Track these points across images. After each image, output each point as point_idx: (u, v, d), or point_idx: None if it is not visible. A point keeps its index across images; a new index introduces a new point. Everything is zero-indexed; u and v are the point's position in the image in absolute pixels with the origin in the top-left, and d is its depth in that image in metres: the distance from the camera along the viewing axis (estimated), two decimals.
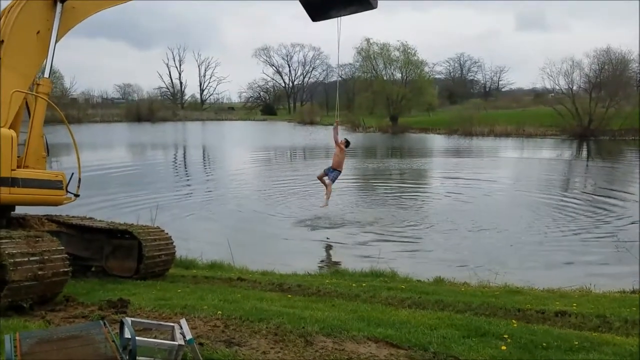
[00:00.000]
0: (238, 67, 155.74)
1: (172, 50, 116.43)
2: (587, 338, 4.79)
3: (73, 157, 7.20)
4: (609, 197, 19.44)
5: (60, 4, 6.74)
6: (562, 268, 11.10)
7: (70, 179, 6.95)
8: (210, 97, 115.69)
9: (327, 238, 13.48)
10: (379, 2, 7.58)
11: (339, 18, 8.13)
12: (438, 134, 54.89)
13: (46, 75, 6.95)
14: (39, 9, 6.66)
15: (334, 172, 10.13)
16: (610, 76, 49.96)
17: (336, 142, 12.34)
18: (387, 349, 4.35)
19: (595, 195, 20.19)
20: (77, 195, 7.03)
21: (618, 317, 5.69)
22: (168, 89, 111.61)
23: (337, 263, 10.90)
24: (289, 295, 6.71)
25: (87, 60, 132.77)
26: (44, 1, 6.69)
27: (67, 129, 6.96)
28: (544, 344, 4.45)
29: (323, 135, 57.45)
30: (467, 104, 75.77)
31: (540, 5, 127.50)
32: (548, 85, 52.94)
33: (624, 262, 10.97)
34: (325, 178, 12.83)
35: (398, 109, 65.53)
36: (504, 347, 4.27)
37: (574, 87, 48.58)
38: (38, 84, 6.84)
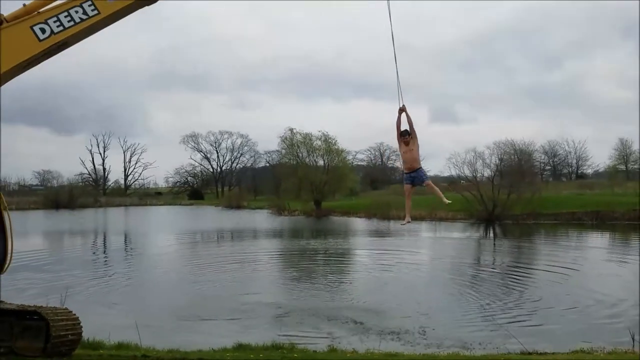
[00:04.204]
0: (165, 152, 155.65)
1: (97, 136, 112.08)
2: None
3: None
4: (516, 271, 21.71)
5: None
6: (463, 333, 12.43)
7: None
8: (135, 182, 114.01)
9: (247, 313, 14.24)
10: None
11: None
12: (358, 217, 57.31)
13: None
14: None
15: (417, 172, 7.25)
16: (515, 165, 55.28)
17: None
18: None
19: (505, 270, 22.60)
20: None
21: None
22: (90, 175, 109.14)
23: (244, 339, 11.55)
24: None
25: (4, 147, 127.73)
26: None
27: None
28: None
29: (250, 219, 58.35)
30: (388, 189, 79.88)
31: (450, 102, 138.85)
32: (454, 173, 57.47)
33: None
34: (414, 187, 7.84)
35: (321, 194, 68.01)
36: None
37: (478, 176, 53.22)
38: None
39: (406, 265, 23.67)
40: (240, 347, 9.83)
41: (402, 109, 7.50)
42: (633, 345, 10.87)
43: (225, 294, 17.46)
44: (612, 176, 77.57)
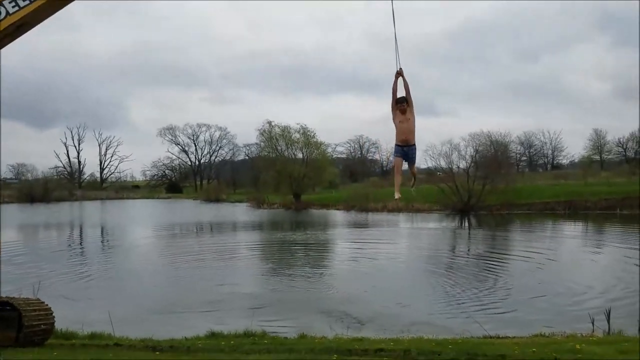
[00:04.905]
0: (143, 145, 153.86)
1: (72, 129, 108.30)
2: None
3: None
4: (491, 260, 22.35)
5: None
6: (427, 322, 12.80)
7: None
8: (112, 175, 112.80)
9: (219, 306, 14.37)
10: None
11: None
12: (337, 209, 57.75)
13: None
14: None
15: (411, 148, 6.61)
16: (491, 156, 56.25)
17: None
18: None
19: (479, 257, 23.38)
20: None
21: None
22: (65, 168, 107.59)
23: (218, 329, 11.72)
24: (157, 353, 7.58)
25: None
26: None
27: None
28: None
29: (229, 212, 58.31)
30: (367, 181, 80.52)
31: (431, 94, 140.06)
32: (430, 165, 58.23)
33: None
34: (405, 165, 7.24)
35: (300, 187, 68.23)
36: None
37: (454, 167, 54.07)
38: None
39: (384, 255, 24.11)
40: (212, 336, 10.03)
41: (399, 73, 6.69)
42: (593, 330, 11.35)
43: (202, 285, 17.57)
44: (586, 166, 79.36)
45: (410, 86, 6.62)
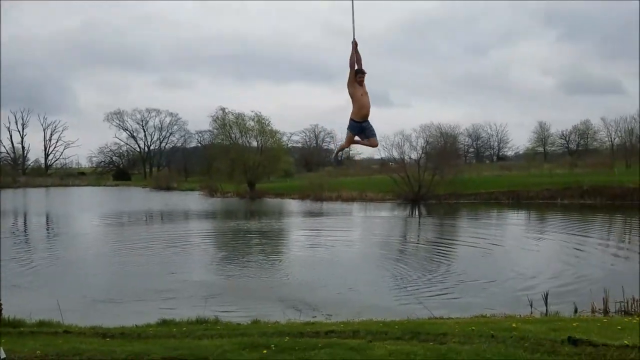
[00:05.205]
0: (89, 131, 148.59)
1: (15, 113, 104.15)
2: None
3: None
4: (440, 247, 23.16)
5: None
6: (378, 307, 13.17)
7: None
8: (57, 162, 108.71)
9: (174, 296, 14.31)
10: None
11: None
12: (292, 198, 57.90)
13: None
14: None
15: (368, 123, 6.32)
16: (440, 147, 57.75)
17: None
18: None
19: (429, 243, 24.22)
20: None
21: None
22: (8, 153, 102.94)
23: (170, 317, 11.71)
24: (108, 339, 7.57)
25: None
26: None
27: None
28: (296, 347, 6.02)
29: (180, 201, 57.41)
30: (322, 171, 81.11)
31: (384, 86, 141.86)
32: (384, 156, 59.37)
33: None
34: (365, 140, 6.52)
35: (255, 176, 67.86)
36: (265, 351, 5.74)
37: (406, 158, 55.26)
38: None
39: (338, 243, 24.49)
40: (164, 323, 10.04)
41: (357, 43, 6.23)
42: (531, 312, 12.09)
43: (153, 274, 17.40)
44: (530, 158, 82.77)
45: (364, 77, 6.27)
